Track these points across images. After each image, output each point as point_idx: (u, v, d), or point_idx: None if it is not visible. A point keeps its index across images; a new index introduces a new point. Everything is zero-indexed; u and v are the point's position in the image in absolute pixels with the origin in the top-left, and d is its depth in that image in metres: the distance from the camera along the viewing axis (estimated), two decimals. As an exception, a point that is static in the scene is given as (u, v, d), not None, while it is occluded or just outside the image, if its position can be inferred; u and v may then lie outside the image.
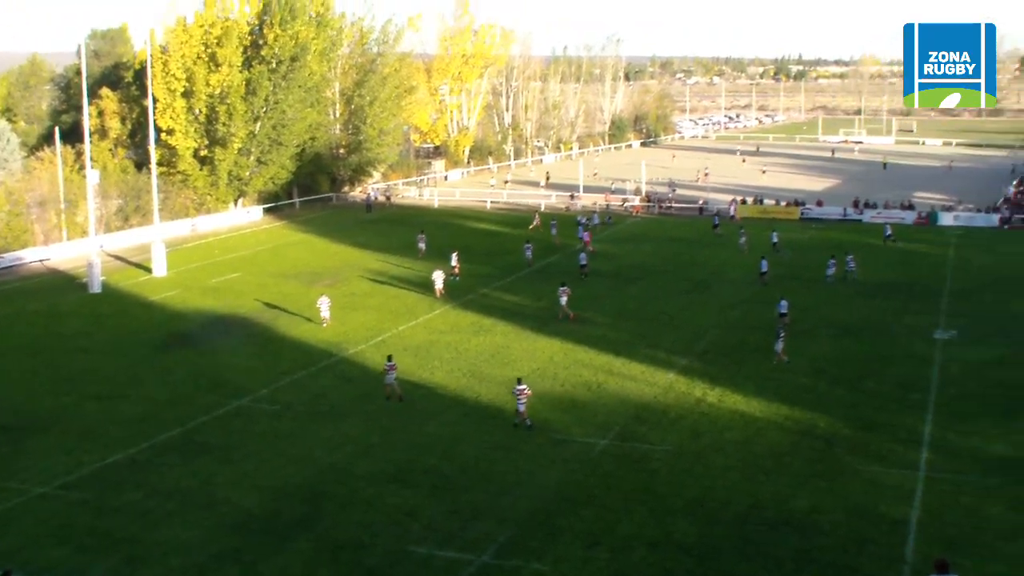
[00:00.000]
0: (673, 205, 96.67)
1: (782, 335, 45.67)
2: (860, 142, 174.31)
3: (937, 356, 46.04)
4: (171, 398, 40.78)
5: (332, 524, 29.16)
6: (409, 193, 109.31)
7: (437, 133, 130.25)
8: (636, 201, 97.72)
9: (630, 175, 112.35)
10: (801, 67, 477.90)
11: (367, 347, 47.49)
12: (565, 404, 39.69)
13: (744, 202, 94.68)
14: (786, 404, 39.26)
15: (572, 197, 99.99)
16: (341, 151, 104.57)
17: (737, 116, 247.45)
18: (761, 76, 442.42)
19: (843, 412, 38.46)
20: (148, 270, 66.80)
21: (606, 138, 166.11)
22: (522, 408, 36.79)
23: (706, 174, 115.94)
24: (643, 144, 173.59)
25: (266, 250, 75.60)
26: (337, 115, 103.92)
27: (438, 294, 57.66)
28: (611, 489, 31.53)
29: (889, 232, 76.51)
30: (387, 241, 77.19)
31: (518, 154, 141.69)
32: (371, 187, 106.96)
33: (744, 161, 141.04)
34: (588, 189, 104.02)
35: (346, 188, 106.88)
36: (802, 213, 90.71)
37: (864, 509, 29.85)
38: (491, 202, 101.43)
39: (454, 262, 63.24)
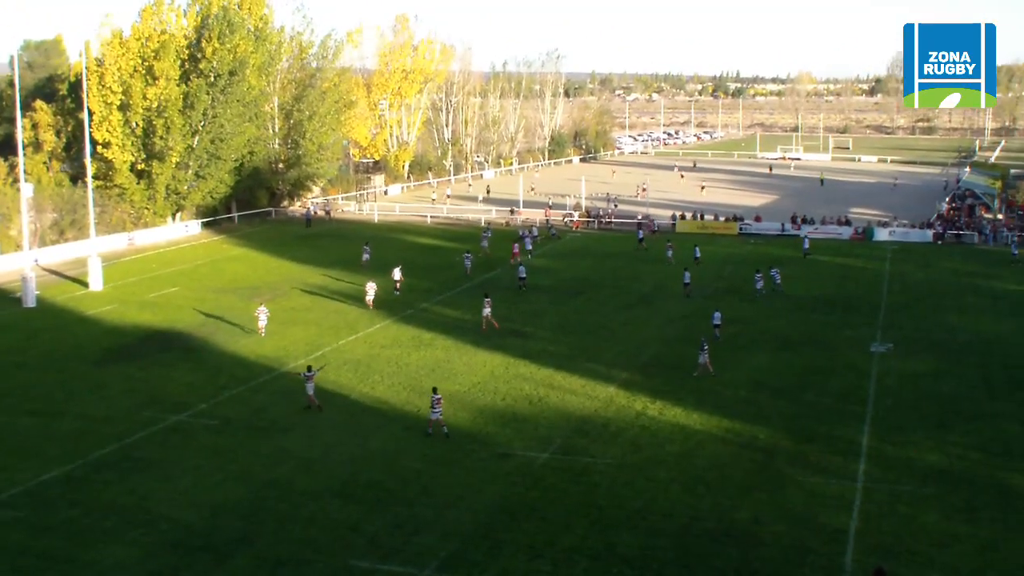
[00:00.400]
0: (613, 220, 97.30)
1: (706, 347, 45.97)
2: (797, 159, 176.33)
3: (874, 368, 46.71)
4: (108, 414, 40.18)
5: (273, 540, 28.89)
6: (349, 208, 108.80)
7: (377, 148, 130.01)
8: (576, 216, 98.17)
9: (570, 190, 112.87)
10: (739, 84, 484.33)
11: (307, 361, 46.97)
12: (506, 418, 39.71)
13: (683, 217, 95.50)
14: (726, 417, 39.60)
15: (512, 212, 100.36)
16: (280, 165, 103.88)
17: (676, 132, 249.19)
18: (700, 93, 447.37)
19: (783, 424, 38.88)
20: (84, 284, 65.82)
21: (546, 154, 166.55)
22: (435, 417, 37.32)
23: (644, 189, 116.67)
24: (583, 160, 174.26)
25: (204, 264, 74.84)
26: (276, 129, 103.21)
27: (369, 305, 57.78)
28: (553, 502, 31.57)
29: (807, 246, 77.99)
30: (327, 256, 76.77)
31: (458, 169, 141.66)
32: (311, 202, 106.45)
33: (683, 177, 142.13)
34: (528, 204, 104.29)
35: (285, 203, 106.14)
36: (741, 228, 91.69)
37: (804, 519, 30.21)
38: (431, 217, 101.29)
39: (398, 276, 63.06)
